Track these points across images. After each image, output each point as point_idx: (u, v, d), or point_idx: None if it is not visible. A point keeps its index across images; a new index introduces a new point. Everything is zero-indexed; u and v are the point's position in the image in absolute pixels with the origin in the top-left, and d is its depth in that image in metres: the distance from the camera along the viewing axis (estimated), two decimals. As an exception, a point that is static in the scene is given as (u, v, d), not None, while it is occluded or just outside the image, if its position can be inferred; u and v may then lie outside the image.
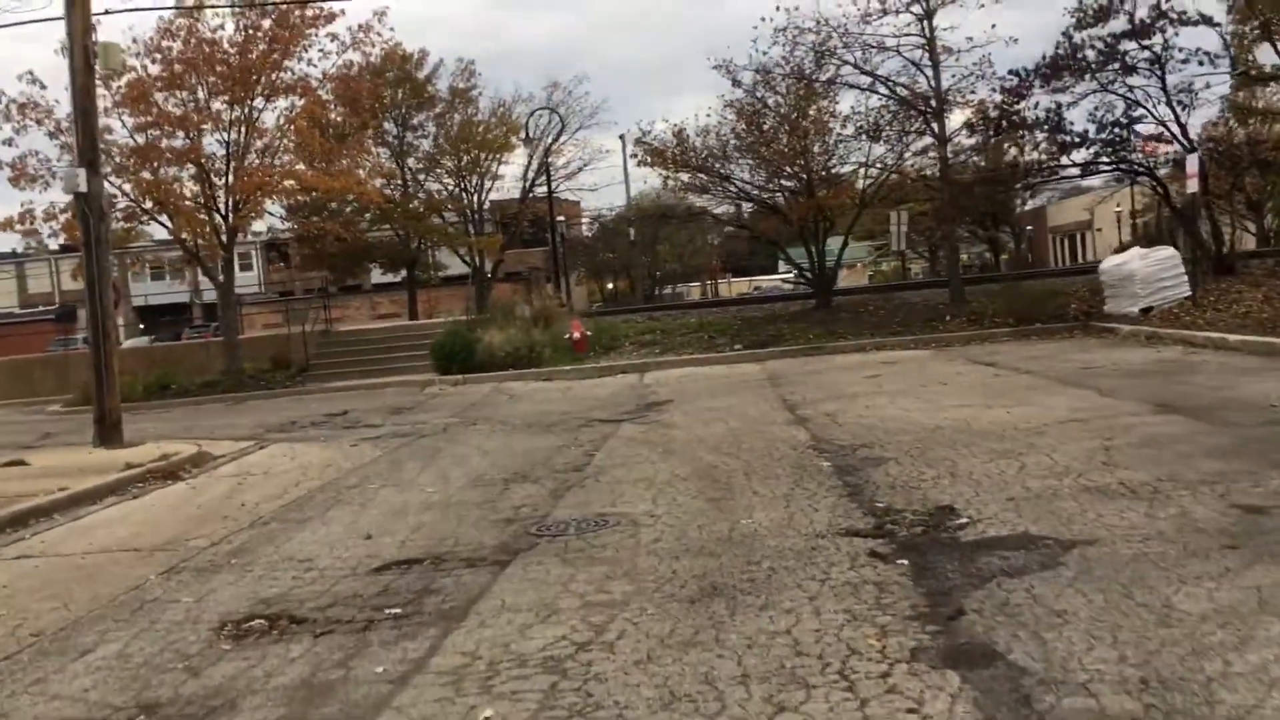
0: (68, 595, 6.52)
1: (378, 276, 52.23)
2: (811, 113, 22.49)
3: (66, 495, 9.41)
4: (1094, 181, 32.49)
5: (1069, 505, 6.43)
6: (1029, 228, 71.76)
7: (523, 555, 6.78)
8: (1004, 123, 21.38)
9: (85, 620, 5.95)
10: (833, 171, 23.12)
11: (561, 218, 40.61)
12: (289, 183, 20.43)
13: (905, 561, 5.54)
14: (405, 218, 37.03)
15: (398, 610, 5.68)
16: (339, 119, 30.12)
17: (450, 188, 39.67)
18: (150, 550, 7.73)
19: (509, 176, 40.51)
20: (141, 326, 60.78)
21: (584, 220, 53.13)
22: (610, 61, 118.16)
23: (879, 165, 22.99)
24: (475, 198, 40.05)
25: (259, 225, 49.50)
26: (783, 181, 23.41)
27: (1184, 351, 14.89)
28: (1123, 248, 58.51)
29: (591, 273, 59.52)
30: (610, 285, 65.40)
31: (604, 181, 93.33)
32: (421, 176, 38.89)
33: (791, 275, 77.10)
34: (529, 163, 41.01)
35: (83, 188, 13.91)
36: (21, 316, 57.43)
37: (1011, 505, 6.58)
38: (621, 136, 49.54)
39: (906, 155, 23.15)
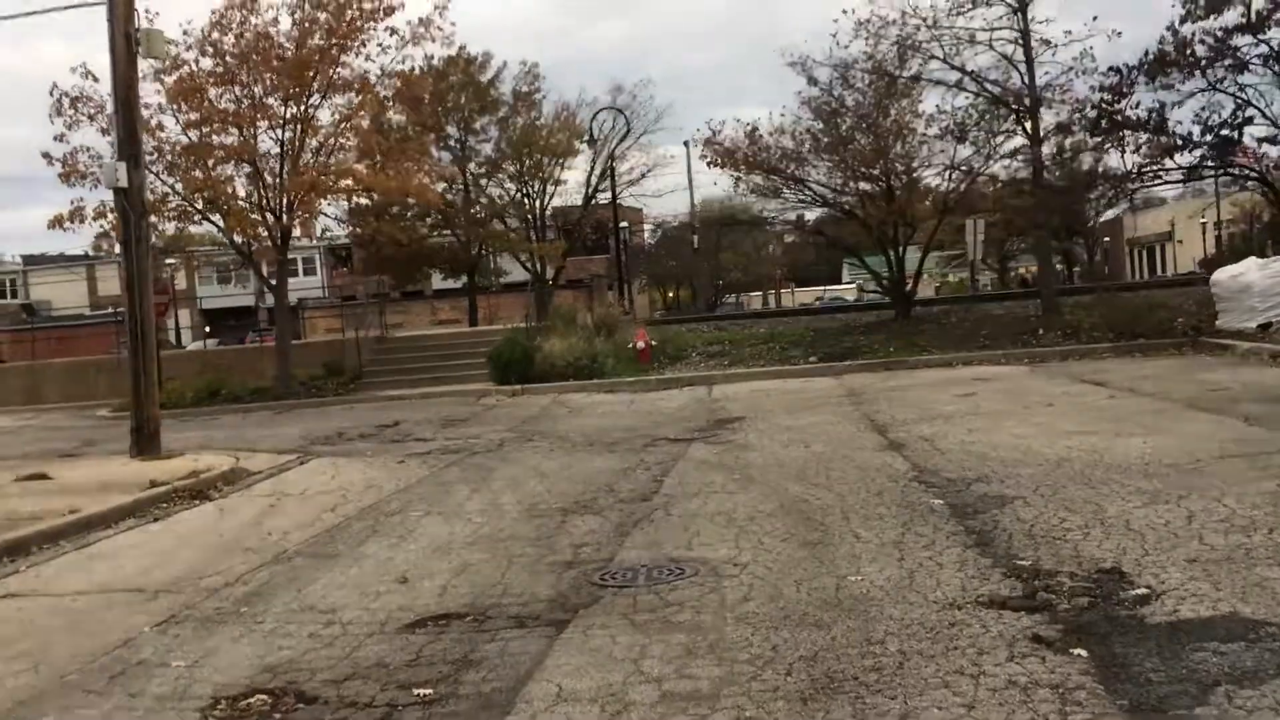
0: (43, 652, 5.48)
1: (439, 282, 51.60)
2: (893, 112, 21.12)
3: (76, 519, 8.43)
4: (1170, 192, 30.59)
5: (1278, 575, 5.11)
6: (1105, 239, 69.29)
7: (583, 613, 5.63)
8: (1103, 122, 19.84)
9: (52, 691, 4.89)
10: (915, 175, 21.71)
11: (625, 224, 39.51)
12: (345, 183, 19.55)
13: (1083, 652, 4.26)
14: (467, 223, 36.20)
15: (428, 691, 4.55)
16: (400, 120, 29.46)
17: (512, 193, 38.78)
18: (154, 591, 6.68)
19: (571, 182, 39.44)
20: (207, 329, 60.99)
21: (647, 227, 52.03)
22: (673, 70, 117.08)
23: (964, 168, 21.56)
24: (537, 203, 39.11)
25: (318, 227, 49.28)
26: (861, 185, 22.03)
27: (1323, 373, 13.33)
28: (1208, 261, 56.13)
29: (654, 281, 58.40)
30: (672, 294, 64.28)
31: (668, 188, 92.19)
32: (483, 181, 38.03)
33: (855, 285, 75.65)
34: (592, 168, 40.01)
35: (123, 182, 13.06)
36: (90, 319, 57.60)
37: (1198, 571, 5.27)
38: (686, 143, 48.35)
39: (994, 158, 21.71)
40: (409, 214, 35.96)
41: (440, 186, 36.84)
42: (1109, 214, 66.76)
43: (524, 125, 37.00)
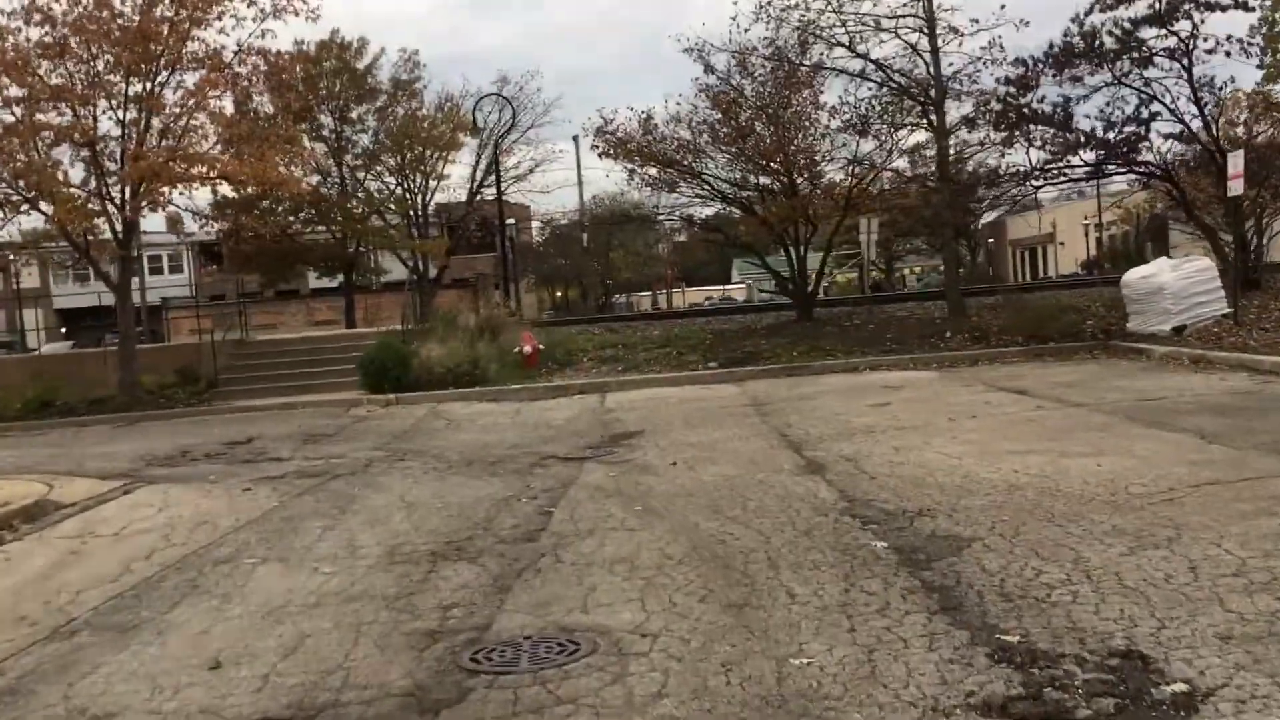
0: None
1: (316, 281, 49.14)
2: (795, 103, 20.07)
3: None
4: (1050, 194, 30.21)
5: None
6: (990, 240, 70.27)
7: (447, 716, 4.25)
8: (1010, 115, 19.10)
9: None
10: (817, 170, 20.69)
11: (511, 220, 37.88)
12: (197, 170, 17.55)
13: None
14: (343, 218, 34.13)
15: None
16: (267, 108, 27.36)
17: (392, 188, 36.80)
18: None
19: (455, 177, 37.74)
20: (64, 330, 57.02)
21: (535, 224, 50.38)
22: (566, 70, 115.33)
23: (867, 163, 20.65)
24: (419, 199, 37.19)
25: (168, 220, 46.50)
26: (761, 179, 20.93)
27: (1255, 380, 12.61)
28: (1089, 262, 57.19)
29: (542, 280, 56.81)
30: (560, 294, 62.73)
31: (557, 184, 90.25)
32: (360, 175, 35.97)
33: (745, 285, 75.21)
34: (477, 162, 38.32)
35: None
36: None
37: (1240, 654, 4.12)
38: (575, 138, 47.20)
39: (896, 153, 20.86)
40: (279, 208, 33.74)
41: (315, 179, 34.79)
42: (989, 215, 67.91)
43: (404, 116, 35.09)
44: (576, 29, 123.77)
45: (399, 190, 36.64)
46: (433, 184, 36.94)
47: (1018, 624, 4.74)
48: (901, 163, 21.36)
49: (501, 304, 25.92)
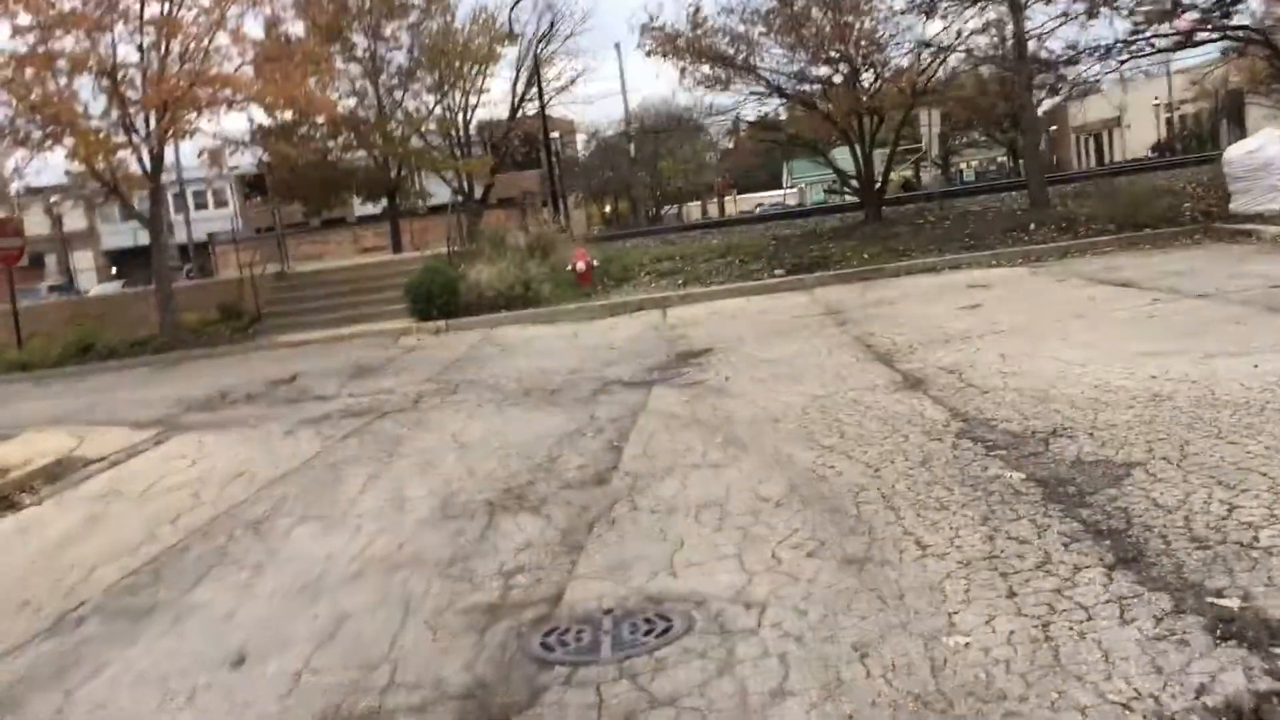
0: None
1: (361, 208, 48.28)
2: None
3: None
4: (1113, 75, 27.51)
5: None
6: (1052, 128, 67.37)
7: (516, 737, 3.38)
8: (1089, -15, 17.43)
9: None
10: (882, 56, 19.09)
11: (556, 134, 36.60)
12: (224, 93, 16.57)
13: None
14: (383, 140, 33.01)
15: None
16: (289, 26, 26.20)
17: (430, 106, 35.55)
18: None
19: (496, 93, 36.39)
20: (114, 271, 56.98)
21: (580, 137, 48.94)
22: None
23: (935, 47, 19.07)
24: (460, 117, 35.93)
25: (223, 154, 45.76)
26: (821, 70, 19.44)
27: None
28: (1159, 145, 54.52)
29: (590, 195, 55.49)
30: (609, 208, 61.36)
31: (599, 94, 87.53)
32: (398, 95, 34.73)
33: (796, 190, 73.11)
34: (516, 75, 36.94)
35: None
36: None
37: None
38: (617, 45, 45.68)
39: (964, 35, 19.20)
40: (316, 134, 32.75)
41: (351, 102, 33.68)
42: (1048, 102, 64.99)
43: (438, 30, 33.66)
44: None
45: (438, 109, 35.41)
46: (472, 100, 35.64)
47: (1229, 581, 3.73)
48: (976, 41, 19.61)
49: (551, 221, 24.83)
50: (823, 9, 18.59)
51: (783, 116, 22.71)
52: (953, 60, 20.37)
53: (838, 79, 19.38)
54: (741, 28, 18.87)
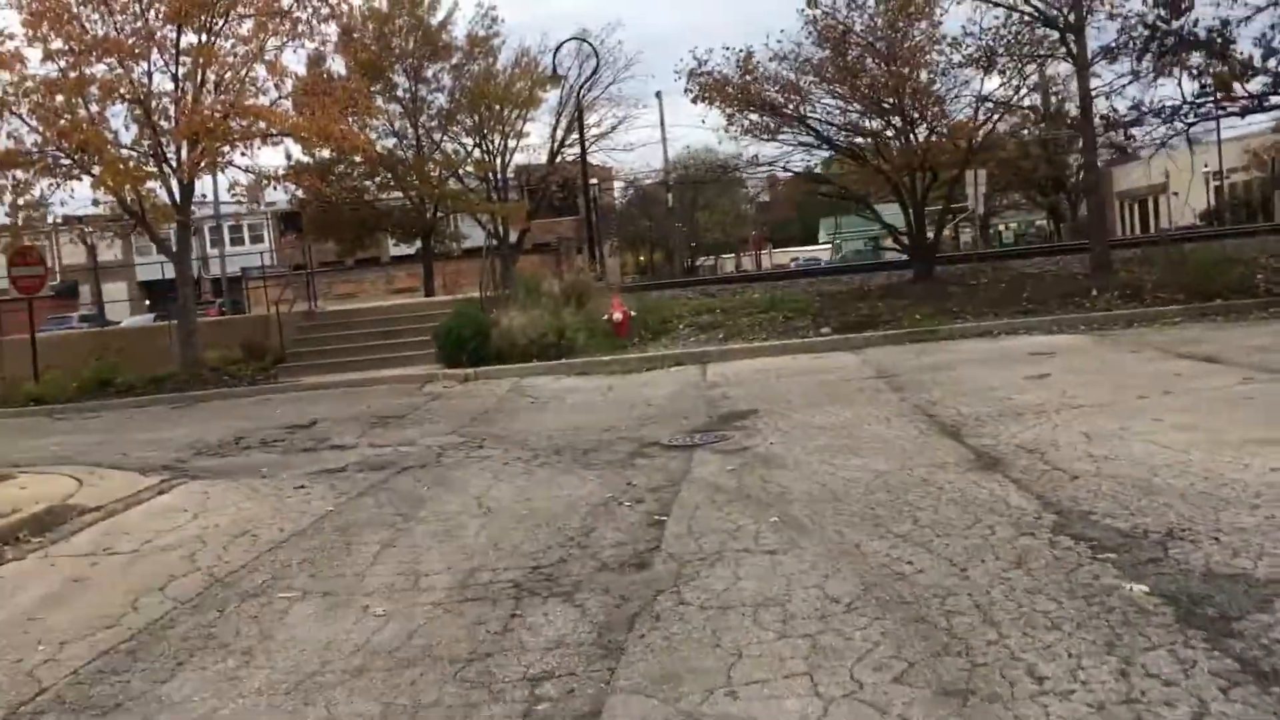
0: None
1: (396, 248, 48.06)
2: (914, 35, 17.79)
3: None
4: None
5: None
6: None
7: None
8: (1156, 43, 16.73)
9: None
10: (940, 110, 18.33)
11: (594, 181, 36.21)
12: (258, 125, 16.10)
13: None
14: (419, 181, 32.70)
15: None
16: (332, 63, 25.99)
17: (469, 149, 35.27)
18: None
19: (535, 137, 36.09)
20: (147, 303, 56.98)
21: (618, 185, 48.53)
22: (645, 30, 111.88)
23: (991, 103, 18.37)
24: (498, 160, 35.62)
25: (261, 188, 45.61)
26: (874, 123, 18.75)
27: None
28: (1209, 214, 53.51)
29: (625, 243, 55.10)
30: (643, 257, 60.91)
31: (639, 141, 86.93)
32: (437, 136, 34.46)
33: (831, 246, 72.46)
34: (557, 120, 36.63)
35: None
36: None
37: None
38: (658, 93, 45.39)
39: (1023, 91, 18.51)
40: (354, 172, 32.52)
41: (390, 142, 33.45)
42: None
43: (480, 73, 33.43)
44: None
45: (476, 151, 35.13)
46: (511, 144, 35.36)
47: None
48: (1032, 99, 18.89)
49: (587, 268, 24.22)
50: (878, 60, 17.98)
51: (831, 169, 22.02)
52: (1007, 118, 19.66)
53: (889, 132, 18.71)
54: (792, 76, 18.30)
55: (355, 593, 5.65)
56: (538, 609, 5.12)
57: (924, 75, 17.90)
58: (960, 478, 6.89)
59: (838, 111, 18.74)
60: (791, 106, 18.36)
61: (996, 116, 18.59)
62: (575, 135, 37.50)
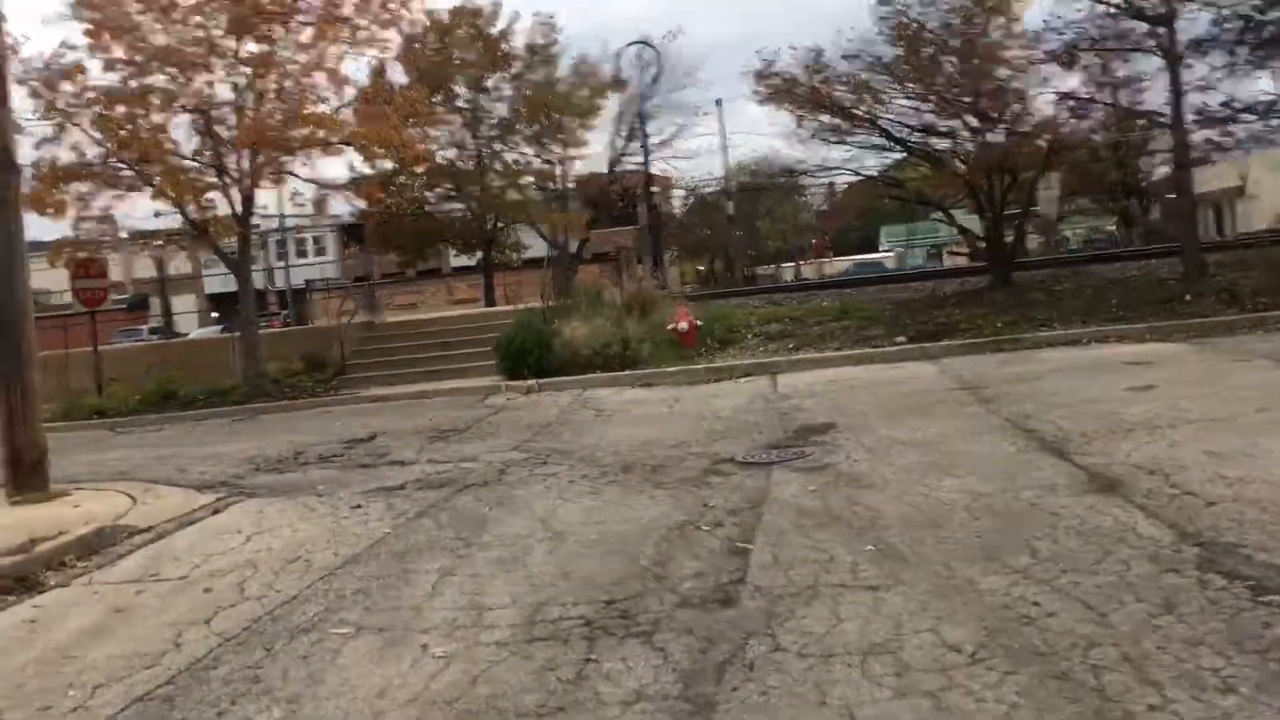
0: None
1: (457, 259, 47.96)
2: (993, 31, 16.95)
3: None
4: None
5: None
6: (1170, 196, 64.49)
7: None
8: (1251, 34, 15.80)
9: None
10: (1025, 107, 17.46)
11: (656, 189, 35.75)
12: (319, 134, 15.80)
13: None
14: (480, 191, 32.48)
15: None
16: (393, 75, 25.85)
17: (529, 158, 34.97)
18: None
19: (595, 146, 35.70)
20: (214, 315, 57.55)
21: (677, 193, 47.99)
22: (703, 40, 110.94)
23: (1073, 101, 17.48)
24: (558, 170, 35.31)
25: (327, 201, 45.87)
26: (950, 123, 17.91)
27: None
28: (1289, 216, 51.48)
29: (685, 252, 54.50)
30: (701, 267, 60.18)
31: (700, 149, 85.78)
32: (497, 146, 34.22)
33: (893, 254, 71.22)
34: (616, 129, 36.23)
35: (-26, 123, 9.55)
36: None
37: None
38: (718, 101, 44.72)
39: (1108, 88, 17.55)
40: (415, 183, 32.40)
41: (451, 153, 33.27)
42: (1163, 169, 62.24)
43: (540, 82, 33.14)
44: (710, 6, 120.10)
45: (536, 161, 34.83)
46: (572, 153, 35.02)
47: None
48: (1120, 97, 17.88)
49: (651, 277, 23.69)
50: (954, 58, 17.21)
51: (904, 172, 21.25)
52: (1083, 120, 18.69)
53: (965, 133, 17.92)
54: (864, 75, 17.59)
55: (413, 629, 5.15)
56: (614, 652, 4.59)
57: (1002, 72, 17.12)
58: (1076, 502, 6.23)
59: (911, 112, 18.00)
60: (864, 108, 17.67)
61: (1078, 116, 17.71)
62: (635, 144, 37.14)
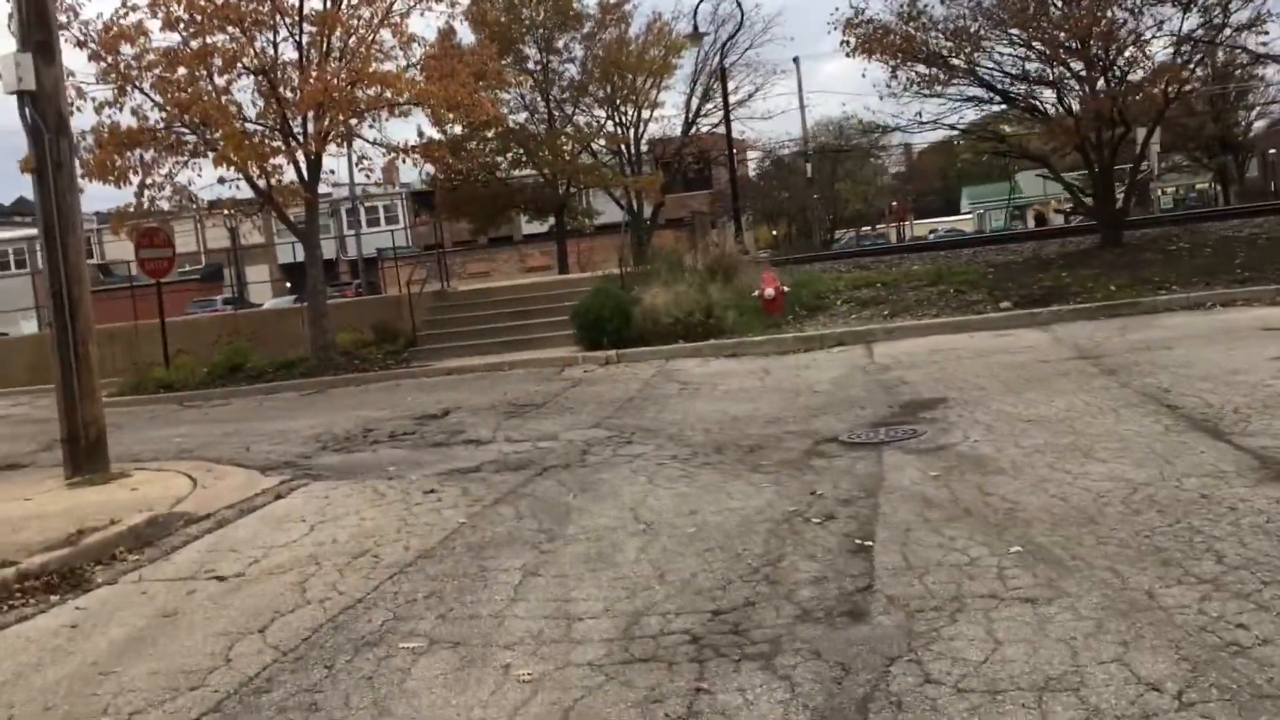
0: None
1: (528, 226, 47.42)
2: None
3: None
4: None
5: None
6: (1271, 151, 61.55)
7: None
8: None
9: None
10: (1143, 50, 16.12)
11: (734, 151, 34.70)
12: (386, 94, 15.17)
13: None
14: (551, 156, 31.76)
15: None
16: (469, 41, 25.19)
17: (601, 121, 34.16)
18: None
19: (669, 106, 34.82)
20: (289, 285, 57.85)
21: (752, 155, 46.81)
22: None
23: (1189, 45, 16.15)
24: (631, 133, 34.45)
25: (397, 169, 45.59)
26: (1055, 70, 16.61)
27: None
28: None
29: (761, 216, 53.31)
30: (779, 231, 58.95)
31: (777, 109, 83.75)
32: (568, 109, 33.44)
33: (974, 216, 69.16)
34: (691, 89, 35.30)
35: (28, 84, 9.05)
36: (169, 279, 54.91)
37: None
38: (796, 59, 43.55)
39: (1228, 30, 16.18)
40: (486, 148, 31.79)
41: (521, 116, 32.59)
42: (1260, 124, 59.32)
43: (612, 41, 32.23)
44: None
45: (609, 124, 34.02)
46: (645, 115, 34.17)
47: None
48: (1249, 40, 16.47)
49: (732, 240, 22.78)
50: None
51: (1002, 126, 19.95)
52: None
53: (1071, 82, 16.63)
54: (965, 20, 16.38)
55: (492, 643, 4.48)
56: (729, 680, 3.87)
57: (1115, 13, 15.81)
58: (1254, 494, 5.36)
59: (1013, 60, 16.76)
60: (963, 55, 16.48)
61: (1199, 61, 16.30)
62: (710, 105, 36.14)
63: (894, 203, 62.98)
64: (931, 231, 66.54)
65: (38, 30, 9.20)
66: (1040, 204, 60.44)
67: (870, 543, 5.35)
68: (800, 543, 5.49)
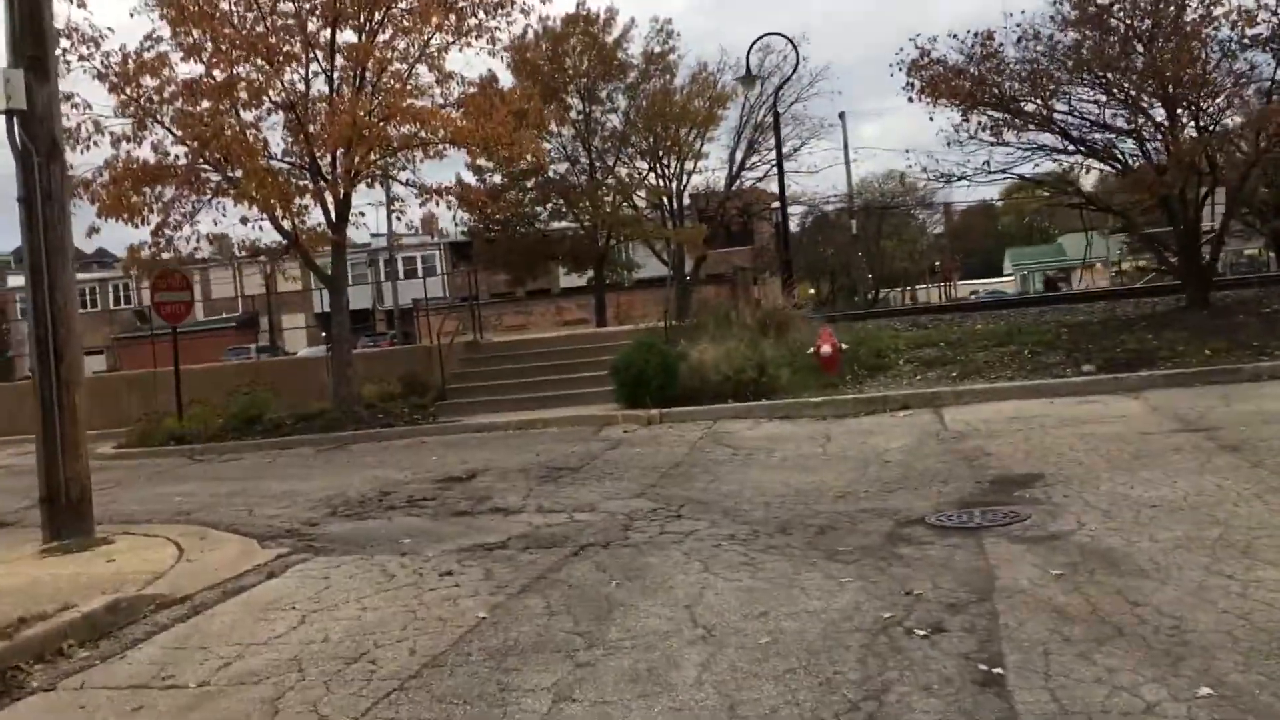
0: None
1: (566, 279, 46.63)
2: (1193, 7, 14.43)
3: None
4: None
5: None
6: (1331, 216, 59.61)
7: None
8: None
9: None
10: (1241, 96, 14.83)
11: (775, 206, 33.79)
12: (421, 130, 14.21)
13: None
14: (592, 207, 30.95)
15: None
16: (508, 85, 24.43)
17: (644, 172, 33.36)
18: None
19: (712, 160, 34.07)
20: (323, 334, 57.35)
21: (796, 209, 45.83)
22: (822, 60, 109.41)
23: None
24: (673, 185, 33.63)
25: (437, 220, 45.09)
26: (1137, 119, 15.35)
27: None
28: None
29: (805, 273, 52.23)
30: (813, 289, 57.75)
31: (823, 164, 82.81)
32: (610, 159, 32.67)
33: (1016, 278, 67.66)
34: (736, 141, 34.47)
35: (18, 102, 8.16)
36: (204, 324, 54.51)
37: None
38: (842, 114, 42.70)
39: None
40: (525, 198, 31.07)
41: (563, 167, 31.85)
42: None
43: (657, 91, 31.51)
44: (838, 16, 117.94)
45: (651, 176, 33.21)
46: (688, 166, 33.36)
47: None
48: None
49: (785, 295, 21.64)
50: (1146, 40, 14.72)
51: (1080, 177, 18.69)
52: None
53: (1150, 129, 15.37)
54: (1042, 61, 15.18)
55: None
56: None
57: (1208, 54, 14.61)
58: None
59: (1094, 106, 15.55)
60: (1040, 100, 15.28)
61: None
62: (755, 158, 35.28)
63: (937, 261, 61.64)
64: (973, 293, 65.14)
65: (30, 45, 8.33)
66: (1084, 266, 58.75)
67: (1000, 670, 4.15)
68: (907, 665, 4.30)
